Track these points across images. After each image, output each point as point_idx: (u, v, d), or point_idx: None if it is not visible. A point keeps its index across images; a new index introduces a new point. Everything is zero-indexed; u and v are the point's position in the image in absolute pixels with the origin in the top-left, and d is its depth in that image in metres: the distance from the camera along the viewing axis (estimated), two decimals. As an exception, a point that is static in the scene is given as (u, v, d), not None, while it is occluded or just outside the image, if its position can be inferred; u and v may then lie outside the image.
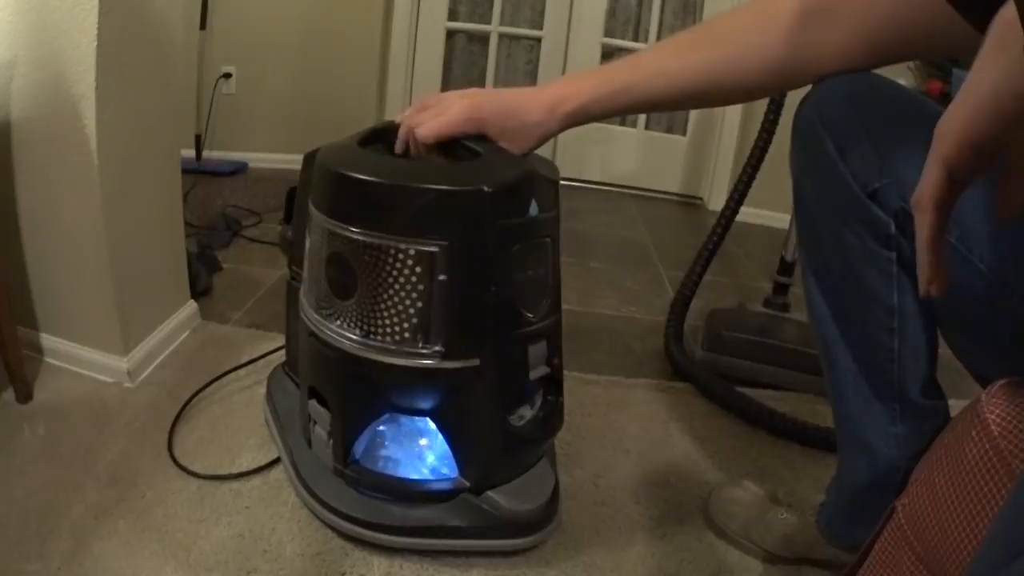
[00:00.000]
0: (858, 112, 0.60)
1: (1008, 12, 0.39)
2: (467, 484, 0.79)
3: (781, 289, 1.39)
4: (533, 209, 0.72)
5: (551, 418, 0.83)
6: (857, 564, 0.56)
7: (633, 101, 0.70)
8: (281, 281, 1.56)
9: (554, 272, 0.78)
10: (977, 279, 0.55)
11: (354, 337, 0.74)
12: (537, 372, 0.78)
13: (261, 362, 1.17)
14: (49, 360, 1.12)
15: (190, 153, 2.43)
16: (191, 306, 1.28)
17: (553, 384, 0.83)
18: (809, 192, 0.67)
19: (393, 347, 0.73)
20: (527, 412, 0.81)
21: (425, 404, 0.78)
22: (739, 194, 1.36)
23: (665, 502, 0.94)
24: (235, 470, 0.91)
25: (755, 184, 1.36)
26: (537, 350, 0.77)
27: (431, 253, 0.69)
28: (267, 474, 0.91)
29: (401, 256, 0.69)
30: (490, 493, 0.79)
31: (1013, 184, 0.42)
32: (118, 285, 1.06)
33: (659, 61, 0.69)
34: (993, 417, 0.44)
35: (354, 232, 0.70)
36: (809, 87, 0.65)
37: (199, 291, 1.36)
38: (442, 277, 0.69)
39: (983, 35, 0.39)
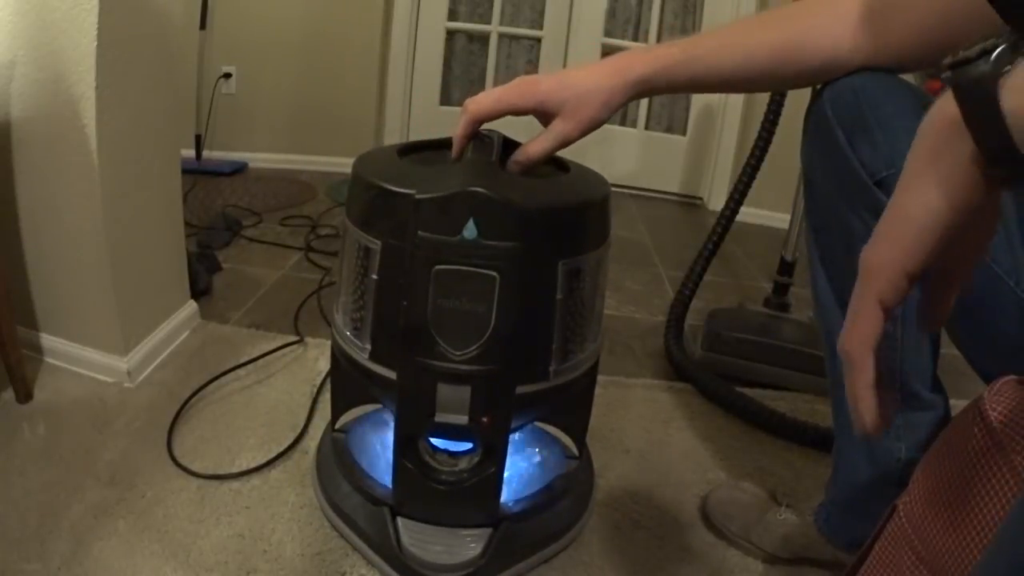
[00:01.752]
0: (869, 105, 0.61)
1: (947, 109, 0.35)
2: (391, 500, 0.78)
3: (781, 289, 1.39)
4: (470, 232, 0.64)
5: (481, 485, 0.76)
6: (857, 564, 0.56)
7: (696, 74, 0.67)
8: (281, 281, 1.56)
9: (501, 320, 0.67)
10: (986, 278, 0.56)
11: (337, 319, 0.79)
12: (449, 418, 0.70)
13: (261, 362, 1.17)
14: (49, 360, 1.12)
15: (190, 153, 2.43)
16: (191, 306, 1.28)
17: (488, 449, 0.75)
18: (819, 180, 0.68)
19: (346, 333, 0.76)
20: (461, 461, 0.78)
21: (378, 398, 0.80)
22: (739, 194, 1.36)
23: (665, 502, 0.94)
24: (235, 470, 0.91)
25: (755, 184, 1.36)
26: (452, 392, 0.69)
27: (369, 249, 0.70)
28: (267, 474, 0.91)
29: (354, 245, 0.72)
30: (399, 520, 0.77)
31: (940, 294, 0.40)
32: (118, 285, 1.06)
33: (724, 36, 0.68)
34: (995, 414, 0.44)
35: (344, 218, 0.74)
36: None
37: (199, 291, 1.36)
38: (374, 276, 0.70)
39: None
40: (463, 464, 0.78)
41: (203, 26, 2.37)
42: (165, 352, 1.18)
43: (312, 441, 0.99)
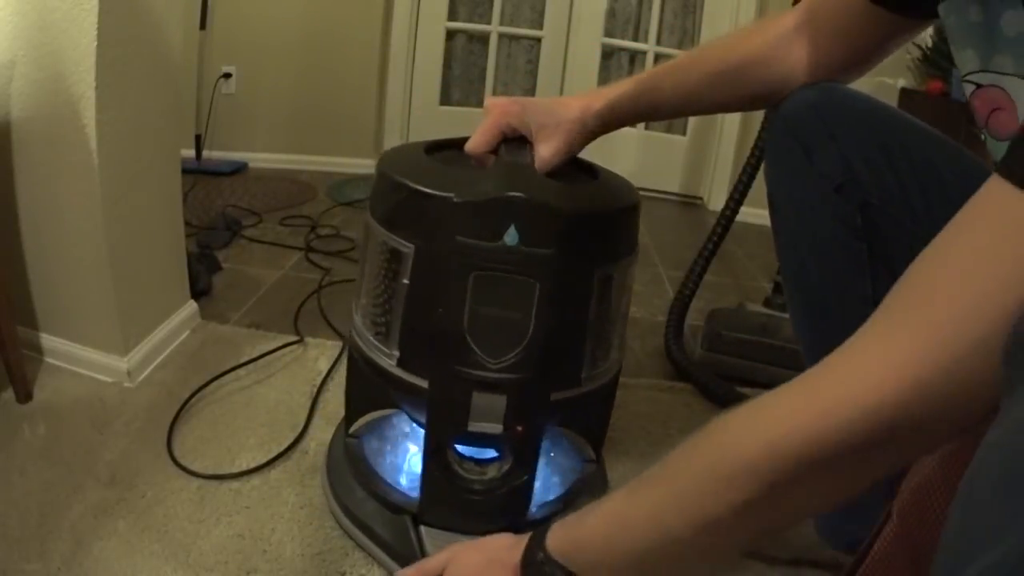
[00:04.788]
0: (821, 117, 0.65)
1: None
2: (413, 508, 0.77)
3: (781, 289, 1.39)
4: (511, 238, 0.63)
5: (513, 493, 0.74)
6: (856, 565, 0.56)
7: (658, 101, 0.72)
8: (281, 281, 1.56)
9: (539, 328, 0.65)
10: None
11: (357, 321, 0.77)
12: (483, 427, 0.69)
13: (261, 362, 1.17)
14: (49, 360, 1.12)
15: (190, 153, 2.43)
16: (191, 306, 1.28)
17: (519, 457, 0.74)
18: (783, 197, 0.72)
19: (368, 338, 0.74)
20: (489, 470, 0.76)
21: (398, 403, 0.78)
22: (739, 194, 1.36)
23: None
24: (235, 470, 0.91)
25: (755, 184, 1.36)
26: (486, 401, 0.68)
27: (400, 252, 0.67)
28: (267, 474, 0.91)
29: (381, 247, 0.69)
30: (422, 528, 0.76)
31: None
32: (118, 285, 1.06)
33: (675, 68, 0.73)
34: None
35: (368, 217, 0.72)
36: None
37: (199, 291, 1.36)
38: (404, 280, 0.67)
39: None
40: (491, 472, 0.75)
41: (203, 26, 2.37)
42: (165, 352, 1.18)
43: (312, 441, 0.99)
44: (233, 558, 0.77)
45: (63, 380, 1.08)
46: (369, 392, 0.80)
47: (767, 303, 1.40)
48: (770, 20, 0.71)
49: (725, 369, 1.28)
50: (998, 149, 0.54)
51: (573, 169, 0.77)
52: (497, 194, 0.62)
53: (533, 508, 0.79)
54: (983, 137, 0.56)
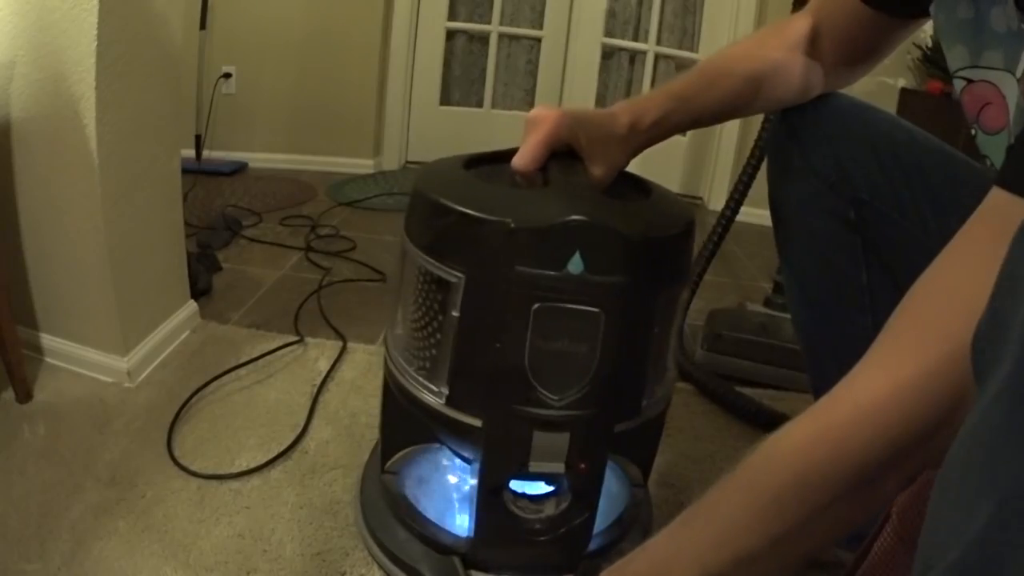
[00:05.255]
0: (817, 120, 0.70)
1: None
2: (462, 548, 0.73)
3: (781, 289, 1.39)
4: (575, 266, 0.58)
5: (572, 533, 0.70)
6: (856, 563, 0.56)
7: (696, 114, 0.72)
8: (281, 281, 1.56)
9: (605, 360, 0.61)
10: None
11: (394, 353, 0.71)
12: (544, 467, 0.65)
13: (261, 362, 1.17)
14: (49, 360, 1.12)
15: (190, 153, 2.43)
16: (191, 306, 1.28)
17: (580, 495, 0.70)
18: (782, 195, 0.75)
19: (411, 373, 0.69)
20: (545, 507, 0.71)
21: (442, 440, 0.74)
22: (739, 194, 1.36)
23: (665, 502, 0.94)
24: (235, 470, 0.91)
25: (755, 184, 1.36)
26: (548, 441, 0.63)
27: (448, 282, 0.62)
28: (267, 474, 0.91)
29: (423, 275, 0.64)
30: (472, 573, 0.72)
31: None
32: (118, 285, 1.06)
33: (704, 77, 0.73)
34: None
35: (407, 243, 0.67)
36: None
37: (199, 291, 1.36)
38: (455, 313, 0.62)
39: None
40: (549, 509, 0.71)
41: (203, 26, 2.37)
42: (165, 352, 1.18)
43: (312, 441, 0.99)
44: (233, 558, 0.77)
45: (63, 380, 1.08)
46: (410, 428, 0.74)
47: (767, 303, 1.40)
48: (783, 26, 0.72)
49: (725, 369, 1.28)
50: (989, 144, 0.55)
51: (623, 184, 0.72)
52: (559, 219, 0.57)
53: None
54: (973, 132, 0.56)
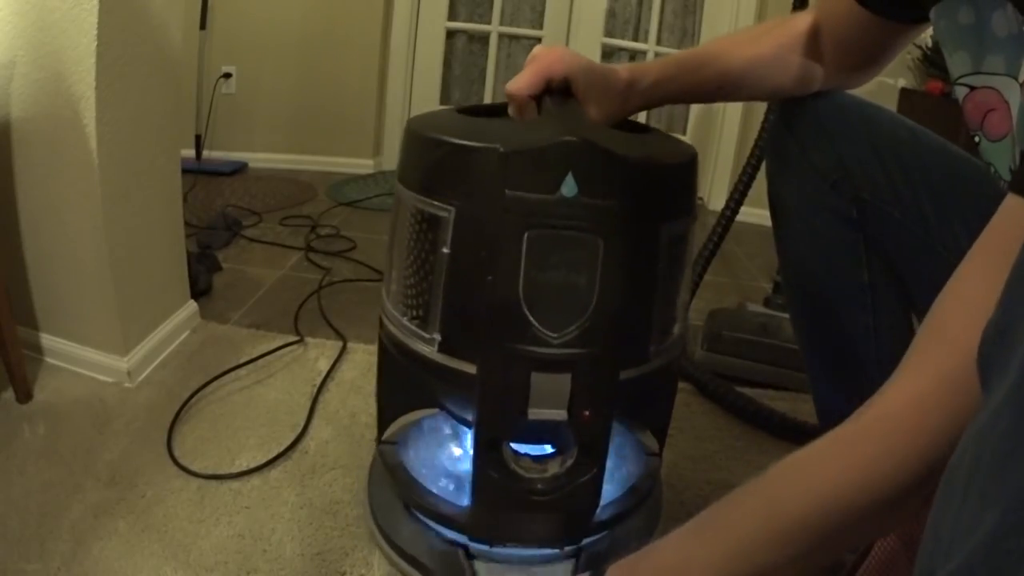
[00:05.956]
0: (818, 118, 0.69)
1: None
2: (461, 519, 0.68)
3: (781, 289, 1.39)
4: (569, 188, 0.55)
5: (580, 492, 0.65)
6: (857, 563, 0.56)
7: (696, 87, 0.72)
8: (281, 281, 1.56)
9: (605, 293, 0.57)
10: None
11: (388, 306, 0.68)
12: (544, 413, 0.60)
13: (261, 362, 1.17)
14: (49, 360, 1.12)
15: (190, 153, 2.43)
16: (191, 306, 1.28)
17: (587, 449, 0.64)
18: (783, 193, 0.75)
19: (403, 323, 0.65)
20: (549, 466, 0.66)
21: (439, 401, 0.70)
22: (739, 194, 1.36)
23: (666, 502, 0.94)
24: (235, 470, 0.91)
25: (755, 184, 1.36)
26: (549, 383, 0.59)
27: (439, 218, 0.59)
28: (267, 474, 0.91)
29: (414, 216, 0.61)
30: (476, 563, 0.68)
31: None
32: (118, 285, 1.06)
33: (712, 55, 0.73)
34: None
35: (399, 188, 0.64)
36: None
37: (199, 291, 1.36)
38: (445, 250, 0.59)
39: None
40: (553, 469, 0.65)
41: (203, 26, 2.37)
42: (165, 352, 1.18)
43: (312, 441, 0.99)
44: (233, 558, 0.77)
45: (63, 380, 1.08)
46: (406, 389, 0.71)
47: (767, 303, 1.40)
48: (787, 20, 0.72)
49: (725, 369, 1.28)
50: (992, 151, 0.55)
51: (622, 127, 0.70)
52: (552, 140, 0.54)
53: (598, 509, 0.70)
54: (977, 140, 0.56)
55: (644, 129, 0.73)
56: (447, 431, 0.78)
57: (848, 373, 0.75)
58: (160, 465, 0.91)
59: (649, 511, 0.80)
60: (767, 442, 1.10)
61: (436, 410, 0.72)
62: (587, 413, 0.60)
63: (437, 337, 0.62)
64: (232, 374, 1.13)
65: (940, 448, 0.38)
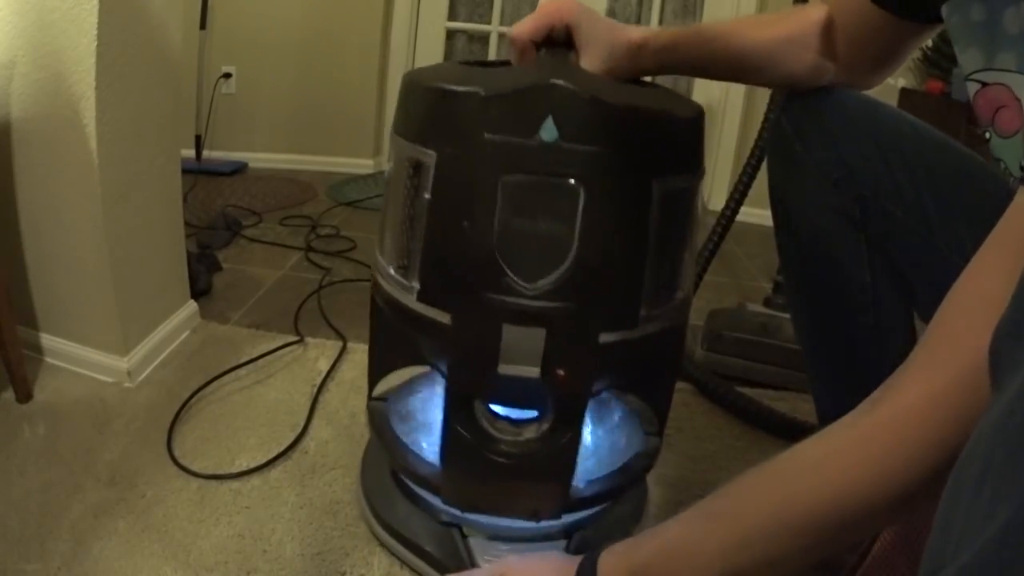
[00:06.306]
0: (820, 116, 0.68)
1: None
2: (434, 465, 0.66)
3: (781, 289, 1.39)
4: (548, 132, 0.52)
5: (554, 457, 0.62)
6: (857, 563, 0.56)
7: (716, 51, 0.70)
8: (281, 281, 1.56)
9: (585, 244, 0.54)
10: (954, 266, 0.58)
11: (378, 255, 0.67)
12: (516, 369, 0.57)
13: (261, 362, 1.17)
14: (49, 360, 1.12)
15: (190, 153, 2.43)
16: (191, 306, 1.28)
17: (562, 413, 0.62)
18: (784, 192, 0.74)
19: (389, 272, 0.63)
20: (525, 431, 0.63)
21: (424, 357, 0.68)
22: (739, 194, 1.36)
23: (666, 502, 0.94)
24: (235, 470, 0.91)
25: (755, 184, 1.36)
26: (521, 336, 0.56)
27: (422, 164, 0.57)
28: (267, 474, 0.91)
29: (403, 164, 0.60)
30: (470, 540, 0.67)
31: None
32: (118, 285, 1.06)
33: (727, 26, 0.72)
34: None
35: (392, 137, 0.64)
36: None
37: (199, 291, 1.36)
38: (426, 195, 0.57)
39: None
40: (529, 433, 0.63)
41: (203, 26, 2.37)
42: (165, 352, 1.18)
43: (312, 441, 0.99)
44: (233, 558, 0.77)
45: (63, 380, 1.08)
46: (392, 343, 0.69)
47: (767, 303, 1.40)
48: (801, 9, 0.71)
49: (725, 369, 1.28)
50: (1003, 147, 0.55)
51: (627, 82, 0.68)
52: (533, 83, 0.52)
53: (581, 483, 0.67)
54: (988, 136, 0.56)
55: (652, 87, 0.70)
56: (439, 392, 0.72)
57: (849, 373, 0.75)
58: (160, 465, 0.91)
59: (637, 497, 0.79)
60: (767, 442, 1.10)
61: (425, 368, 0.70)
62: (562, 373, 0.58)
63: (416, 286, 0.60)
64: (232, 374, 1.13)
65: (954, 443, 0.37)
